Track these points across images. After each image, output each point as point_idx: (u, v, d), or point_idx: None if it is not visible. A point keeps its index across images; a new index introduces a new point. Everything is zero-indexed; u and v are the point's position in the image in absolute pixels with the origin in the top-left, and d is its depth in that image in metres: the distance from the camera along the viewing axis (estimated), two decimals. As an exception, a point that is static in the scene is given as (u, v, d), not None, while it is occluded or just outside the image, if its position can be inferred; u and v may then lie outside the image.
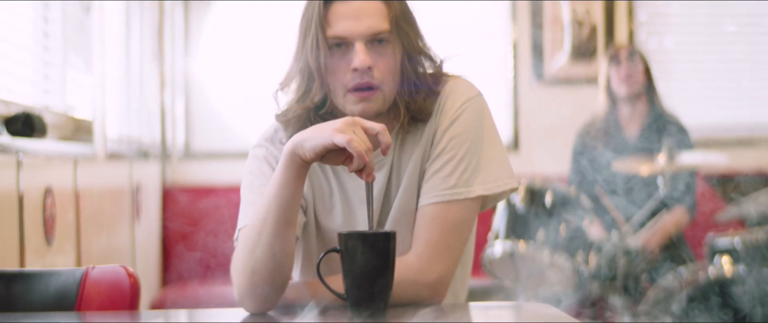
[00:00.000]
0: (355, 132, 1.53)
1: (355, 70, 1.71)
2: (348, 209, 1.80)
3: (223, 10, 5.25)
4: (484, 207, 1.80)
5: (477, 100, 1.80)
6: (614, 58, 4.25)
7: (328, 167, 1.80)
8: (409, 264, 1.70)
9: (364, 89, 1.72)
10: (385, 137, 1.55)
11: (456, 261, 1.74)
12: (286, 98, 1.81)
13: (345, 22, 1.71)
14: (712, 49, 5.45)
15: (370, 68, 1.71)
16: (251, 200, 1.75)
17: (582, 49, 5.28)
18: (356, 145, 1.51)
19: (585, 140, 4.30)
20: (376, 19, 1.72)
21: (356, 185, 1.79)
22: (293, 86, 1.78)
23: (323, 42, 1.71)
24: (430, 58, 1.81)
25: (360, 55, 1.70)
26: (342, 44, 1.72)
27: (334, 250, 1.56)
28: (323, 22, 1.71)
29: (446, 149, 1.76)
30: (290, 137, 1.73)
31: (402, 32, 1.75)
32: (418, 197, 1.78)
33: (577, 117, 4.42)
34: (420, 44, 1.80)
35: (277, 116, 1.81)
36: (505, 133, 5.28)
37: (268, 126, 1.87)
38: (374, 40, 1.73)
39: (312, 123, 1.75)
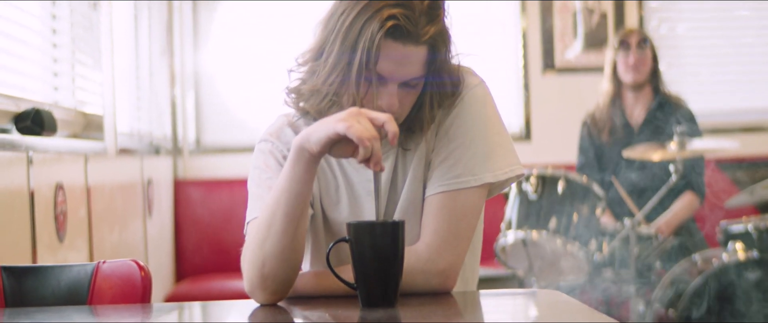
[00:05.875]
0: (358, 121, 1.52)
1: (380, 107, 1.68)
2: (354, 201, 1.80)
3: (232, 5, 5.25)
4: (491, 194, 1.80)
5: (480, 88, 1.78)
6: (623, 44, 4.21)
7: (333, 160, 1.80)
8: (418, 253, 1.70)
9: None
10: (392, 126, 1.54)
11: (465, 249, 1.74)
12: (299, 74, 1.76)
13: (390, 64, 1.65)
14: (723, 34, 5.43)
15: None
16: (259, 194, 1.75)
17: (592, 37, 5.26)
18: (355, 130, 1.50)
19: (589, 127, 4.29)
20: (416, 67, 1.68)
21: (362, 178, 1.79)
22: (316, 83, 1.71)
23: (374, 77, 1.65)
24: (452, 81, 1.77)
25: (391, 98, 1.68)
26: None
27: (344, 240, 1.56)
28: (375, 55, 1.64)
29: (451, 138, 1.75)
30: (301, 112, 1.76)
31: (435, 72, 1.71)
32: (424, 187, 1.77)
33: (588, 105, 4.40)
34: (447, 68, 1.74)
35: (294, 99, 1.77)
36: (516, 122, 5.28)
37: (273, 120, 1.86)
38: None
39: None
